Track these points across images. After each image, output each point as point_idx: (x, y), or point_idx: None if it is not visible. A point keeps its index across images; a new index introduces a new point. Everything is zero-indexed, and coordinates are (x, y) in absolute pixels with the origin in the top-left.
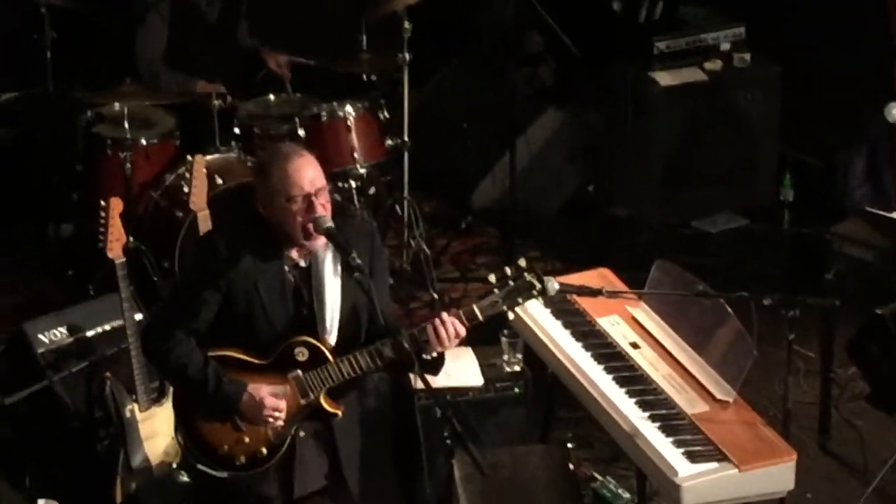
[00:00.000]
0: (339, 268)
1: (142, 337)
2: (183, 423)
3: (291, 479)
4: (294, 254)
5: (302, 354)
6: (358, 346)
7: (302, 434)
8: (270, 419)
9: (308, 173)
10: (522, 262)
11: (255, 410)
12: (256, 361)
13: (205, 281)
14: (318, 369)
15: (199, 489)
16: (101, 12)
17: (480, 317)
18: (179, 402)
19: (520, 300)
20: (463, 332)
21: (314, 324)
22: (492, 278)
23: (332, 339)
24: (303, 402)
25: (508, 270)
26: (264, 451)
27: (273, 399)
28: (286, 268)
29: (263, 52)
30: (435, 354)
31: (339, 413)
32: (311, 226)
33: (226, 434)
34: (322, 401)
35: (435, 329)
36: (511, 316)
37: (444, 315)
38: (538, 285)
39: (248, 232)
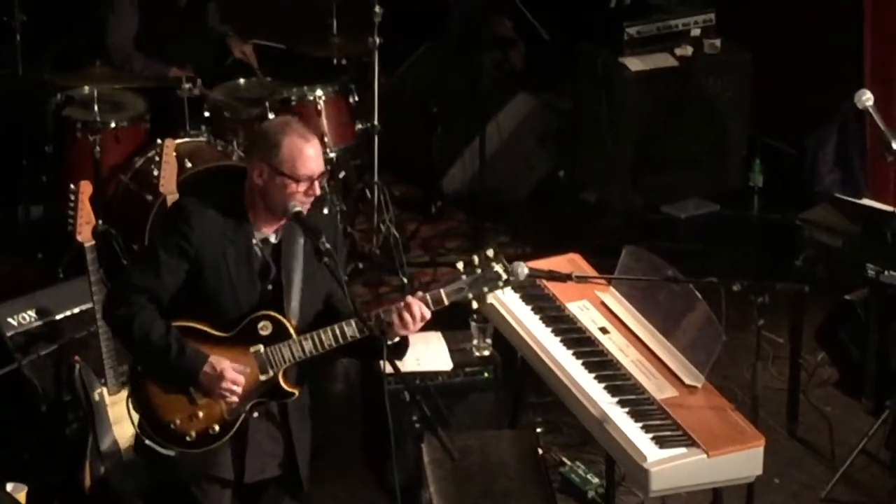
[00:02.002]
0: (303, 249)
1: (105, 301)
2: (136, 396)
3: (243, 463)
4: (265, 228)
5: (265, 328)
6: (319, 326)
7: (255, 414)
8: (228, 392)
9: (318, 156)
10: (491, 252)
11: (214, 382)
12: (219, 334)
13: (173, 247)
14: (280, 345)
15: (150, 468)
16: None
17: (446, 301)
18: (134, 373)
19: (485, 289)
20: (428, 315)
21: (280, 300)
22: (459, 265)
23: (295, 318)
24: (262, 378)
25: (476, 259)
26: (216, 427)
27: (233, 372)
28: (255, 241)
29: (229, 40)
30: (398, 339)
31: (296, 393)
32: (304, 205)
33: (179, 409)
34: (280, 379)
35: (399, 312)
36: (475, 305)
37: (410, 298)
38: (504, 276)
39: (221, 202)
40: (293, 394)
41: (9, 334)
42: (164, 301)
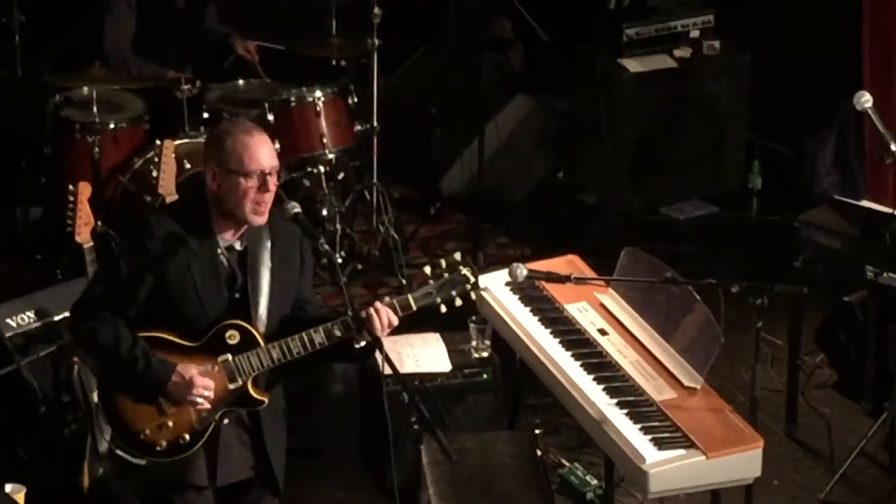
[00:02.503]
0: (269, 254)
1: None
2: (106, 407)
3: (216, 467)
4: (229, 235)
5: (233, 338)
6: (287, 333)
7: (226, 421)
8: (198, 399)
9: (266, 150)
10: (458, 256)
11: (183, 390)
12: (186, 344)
13: (136, 260)
14: (248, 353)
15: (124, 476)
16: None
17: (414, 307)
18: (104, 385)
19: (453, 293)
20: (395, 321)
21: (247, 308)
22: (427, 269)
23: (263, 324)
24: (231, 386)
25: (444, 263)
26: (187, 437)
27: (202, 379)
28: (220, 250)
29: (232, 38)
30: (364, 343)
31: (266, 401)
32: (260, 204)
33: (149, 419)
34: (249, 387)
35: (368, 317)
36: (444, 309)
37: (378, 304)
38: (472, 279)
39: (184, 214)
40: (262, 402)
41: (8, 335)
42: (130, 314)
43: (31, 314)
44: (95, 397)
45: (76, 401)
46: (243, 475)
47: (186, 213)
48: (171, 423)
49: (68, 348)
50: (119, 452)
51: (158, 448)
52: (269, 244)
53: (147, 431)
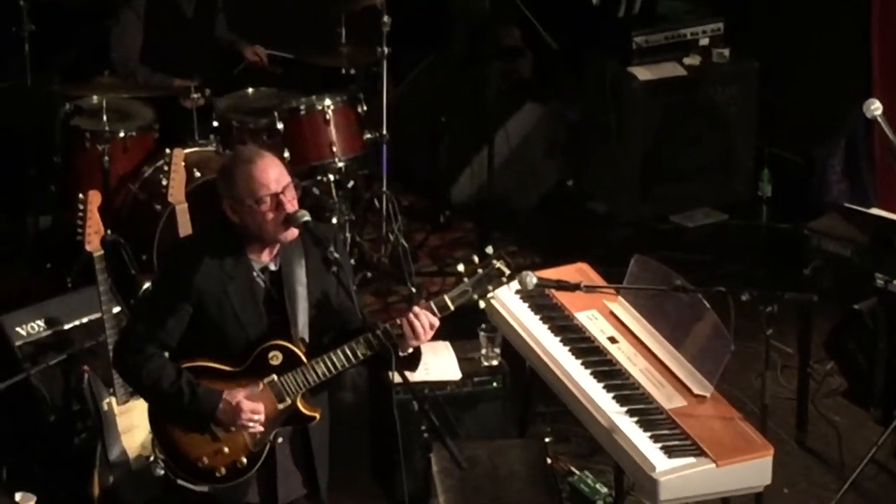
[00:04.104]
0: (304, 267)
1: (113, 354)
2: (160, 439)
3: (274, 487)
4: (264, 257)
5: (276, 358)
6: (331, 345)
7: (280, 440)
8: (249, 423)
9: (272, 172)
10: (490, 250)
11: (232, 416)
12: (230, 369)
13: (173, 293)
14: (293, 372)
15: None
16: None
17: (451, 307)
18: (155, 418)
19: (490, 287)
20: (437, 323)
21: (286, 327)
22: (460, 268)
23: (305, 342)
24: (280, 406)
25: (476, 259)
26: (244, 460)
27: (250, 403)
28: (255, 273)
29: (240, 44)
30: (411, 350)
31: (317, 415)
32: (283, 219)
33: (204, 446)
34: (299, 404)
35: (410, 323)
36: (482, 304)
37: (416, 308)
38: (507, 271)
39: (216, 239)
40: (314, 417)
41: (18, 344)
42: (172, 346)
43: (41, 323)
44: (105, 406)
45: (86, 409)
46: (297, 493)
47: (217, 239)
48: (226, 449)
49: (78, 357)
50: (180, 482)
51: (218, 474)
52: (303, 259)
53: (205, 459)
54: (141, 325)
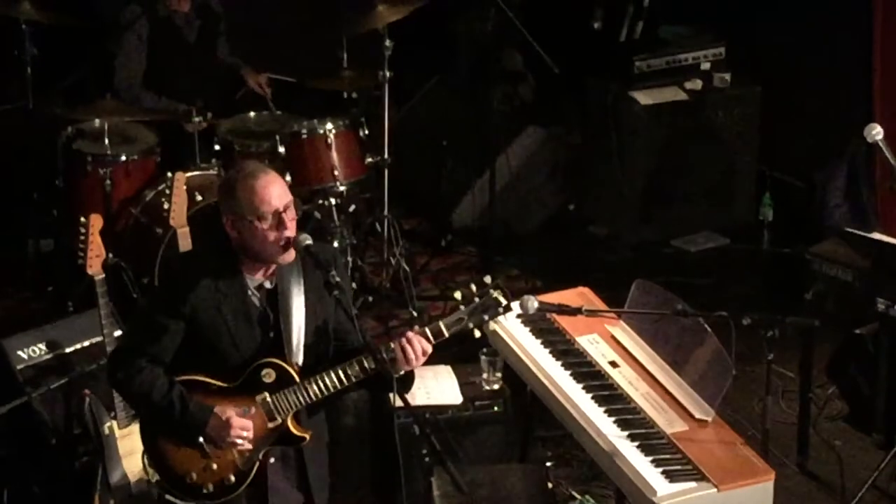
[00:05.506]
0: (302, 288)
1: (107, 365)
2: (150, 453)
3: None
4: (259, 275)
5: (269, 376)
6: (325, 366)
7: (272, 460)
8: (238, 440)
9: (275, 189)
10: (488, 279)
11: (222, 433)
12: (223, 385)
13: (167, 308)
14: (285, 391)
15: None
16: (83, 26)
17: (446, 334)
18: (146, 431)
19: (485, 317)
20: (429, 349)
21: (281, 346)
22: (457, 295)
23: (299, 360)
24: (270, 425)
25: (474, 287)
26: (232, 478)
27: (240, 420)
28: (250, 291)
29: (243, 71)
30: (402, 373)
31: (307, 437)
32: (283, 242)
33: (193, 462)
34: (290, 424)
35: (402, 348)
36: (477, 334)
37: (410, 333)
38: (504, 302)
39: (212, 256)
40: (304, 438)
41: (19, 367)
42: (165, 360)
43: (42, 346)
44: (106, 429)
45: (87, 433)
46: None
47: (212, 257)
48: (215, 466)
49: (79, 380)
50: (168, 497)
51: (206, 491)
52: (301, 280)
53: (193, 475)
54: (135, 341)
